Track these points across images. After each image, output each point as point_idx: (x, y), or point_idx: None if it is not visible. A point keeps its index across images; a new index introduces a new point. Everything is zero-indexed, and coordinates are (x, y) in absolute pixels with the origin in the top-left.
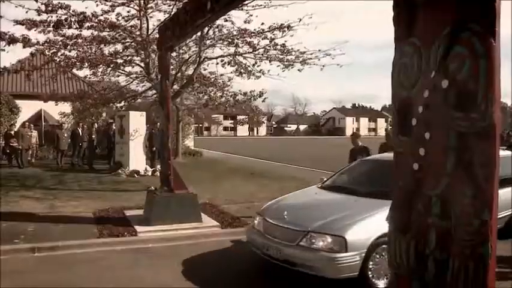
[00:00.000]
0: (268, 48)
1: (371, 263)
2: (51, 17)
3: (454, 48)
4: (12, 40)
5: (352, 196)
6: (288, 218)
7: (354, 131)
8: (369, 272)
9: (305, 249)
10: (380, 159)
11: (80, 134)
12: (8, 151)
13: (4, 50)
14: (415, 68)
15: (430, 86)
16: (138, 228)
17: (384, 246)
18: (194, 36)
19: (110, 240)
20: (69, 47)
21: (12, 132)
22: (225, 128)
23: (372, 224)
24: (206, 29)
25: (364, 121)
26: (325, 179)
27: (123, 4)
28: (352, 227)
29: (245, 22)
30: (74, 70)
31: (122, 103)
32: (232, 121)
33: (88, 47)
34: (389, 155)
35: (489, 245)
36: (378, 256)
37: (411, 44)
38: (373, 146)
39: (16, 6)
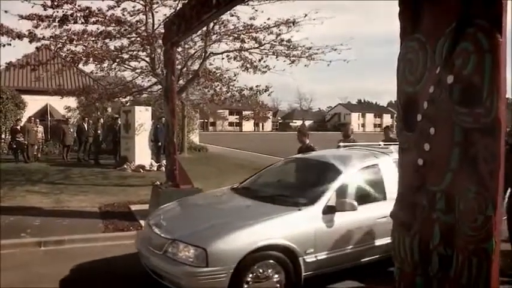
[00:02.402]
0: (274, 43)
1: (248, 280)
2: (57, 12)
3: (459, 44)
4: (18, 35)
5: (252, 201)
6: (164, 223)
7: (299, 127)
8: None
9: (170, 260)
10: (305, 159)
11: (86, 129)
12: (14, 146)
13: (10, 44)
14: (421, 63)
15: (435, 82)
16: (143, 222)
17: (271, 261)
18: (200, 31)
19: (115, 235)
20: (74, 42)
21: (19, 127)
22: (231, 124)
23: (249, 234)
24: (212, 24)
25: (369, 117)
26: (245, 179)
27: None
28: (219, 237)
29: (251, 19)
30: (80, 65)
31: (127, 98)
32: (237, 116)
33: (94, 41)
34: (318, 154)
35: (493, 240)
36: (259, 273)
37: (416, 40)
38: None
39: (22, 1)
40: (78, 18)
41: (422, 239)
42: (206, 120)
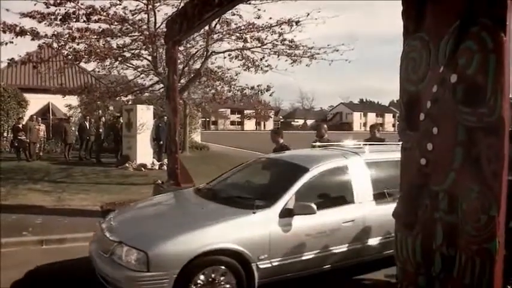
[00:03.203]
0: (276, 43)
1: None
2: (59, 10)
3: (463, 43)
4: (22, 31)
5: (210, 202)
6: (115, 225)
7: (274, 127)
8: None
9: (114, 264)
10: (273, 159)
11: (88, 127)
12: (16, 144)
13: (12, 42)
14: (424, 62)
15: (438, 81)
16: None
17: (221, 267)
18: (202, 30)
19: None
20: (76, 40)
21: (20, 126)
22: (232, 122)
23: (195, 238)
24: (214, 23)
25: (371, 116)
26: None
27: None
28: (162, 240)
29: (254, 18)
30: (82, 63)
31: (129, 97)
32: (239, 115)
33: (96, 40)
34: (287, 154)
35: (496, 240)
36: (207, 279)
37: (420, 39)
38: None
39: None
40: (80, 16)
41: (424, 239)
42: (208, 119)
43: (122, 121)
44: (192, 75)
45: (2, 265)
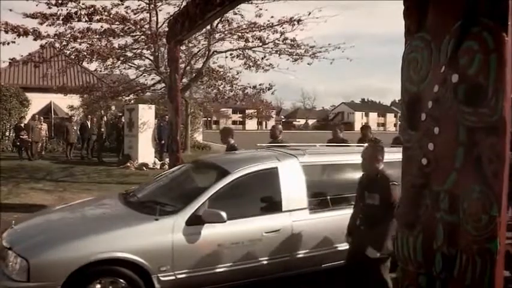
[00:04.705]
0: (278, 42)
1: None
2: (61, 10)
3: (464, 43)
4: (25, 32)
5: (124, 208)
6: (16, 228)
7: (224, 126)
8: None
9: (1, 272)
10: (202, 161)
11: (89, 126)
12: (18, 143)
13: (14, 42)
14: (425, 62)
15: (440, 81)
16: None
17: (120, 279)
18: (203, 30)
19: None
20: (78, 39)
21: (22, 125)
22: (234, 122)
23: (85, 245)
24: (215, 22)
25: (373, 116)
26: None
27: None
28: (46, 247)
29: (256, 16)
30: (84, 63)
31: (131, 96)
32: (241, 115)
33: (98, 39)
34: (217, 156)
35: (497, 240)
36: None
37: (421, 39)
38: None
39: (27, 0)
40: (82, 16)
41: (425, 239)
42: (209, 119)
43: (123, 120)
44: (194, 75)
45: None
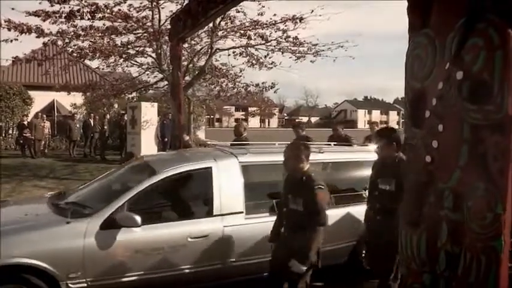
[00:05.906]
0: (281, 40)
1: None
2: (64, 7)
3: (469, 39)
4: (28, 29)
5: (46, 209)
6: None
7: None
8: None
9: None
10: (143, 161)
11: (92, 124)
12: (21, 141)
13: (17, 39)
14: (429, 59)
15: (444, 78)
16: None
17: (23, 286)
18: (206, 27)
19: None
20: (81, 37)
21: (25, 123)
22: (237, 120)
23: None
24: (218, 20)
25: (376, 114)
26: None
27: None
28: None
29: (258, 14)
30: (86, 61)
31: (134, 94)
32: (243, 113)
33: (100, 37)
34: (157, 155)
35: (502, 239)
36: None
37: (425, 35)
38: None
39: None
40: (84, 14)
41: (429, 237)
42: (212, 116)
43: (126, 118)
44: (197, 72)
45: None
